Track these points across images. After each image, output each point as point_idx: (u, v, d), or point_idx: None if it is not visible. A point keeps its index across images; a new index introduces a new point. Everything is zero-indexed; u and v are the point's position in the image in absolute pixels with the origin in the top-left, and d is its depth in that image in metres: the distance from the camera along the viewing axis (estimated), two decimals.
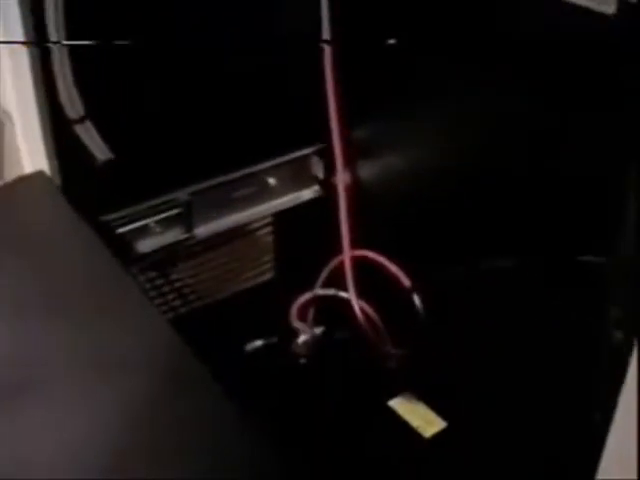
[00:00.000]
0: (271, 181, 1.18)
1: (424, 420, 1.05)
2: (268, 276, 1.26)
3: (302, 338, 1.15)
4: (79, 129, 1.00)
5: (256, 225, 1.22)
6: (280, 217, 1.22)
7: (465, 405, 1.05)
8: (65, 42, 0.95)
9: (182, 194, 1.12)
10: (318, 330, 1.16)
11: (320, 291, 1.21)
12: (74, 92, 0.98)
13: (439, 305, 1.12)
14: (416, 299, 1.13)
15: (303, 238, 1.22)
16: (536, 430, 1.00)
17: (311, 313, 1.22)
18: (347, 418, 1.06)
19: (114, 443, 0.73)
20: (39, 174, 1.04)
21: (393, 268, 1.15)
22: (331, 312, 1.19)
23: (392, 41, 1.09)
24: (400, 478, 0.99)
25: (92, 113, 1.00)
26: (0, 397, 0.75)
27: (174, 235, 1.14)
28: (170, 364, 0.81)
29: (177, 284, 1.19)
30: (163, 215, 1.12)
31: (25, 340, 0.81)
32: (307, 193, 1.23)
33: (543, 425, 1.00)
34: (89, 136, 1.01)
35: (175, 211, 1.12)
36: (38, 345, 0.80)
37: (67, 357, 0.80)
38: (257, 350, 1.17)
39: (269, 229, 1.23)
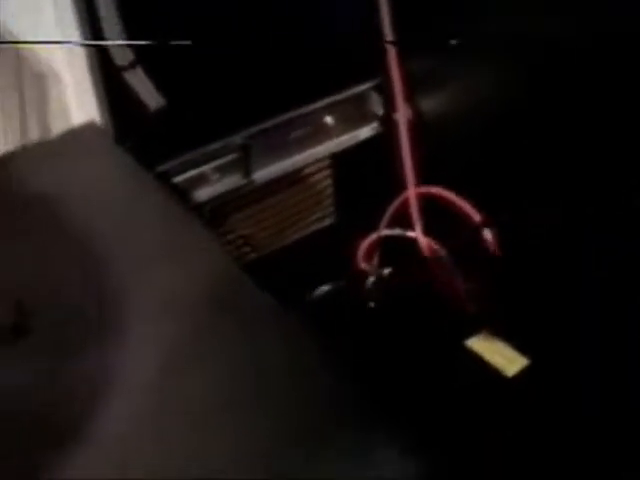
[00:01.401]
0: (328, 120, 1.13)
1: (505, 358, 1.00)
2: (329, 220, 1.22)
3: (371, 280, 1.11)
4: (129, 76, 0.97)
5: (314, 168, 1.18)
6: (339, 158, 1.18)
7: (547, 341, 1.00)
8: None
9: (238, 138, 1.08)
10: (386, 271, 1.12)
11: (385, 231, 1.17)
12: (121, 35, 0.94)
13: (511, 242, 1.08)
14: (488, 234, 1.08)
15: (364, 178, 1.18)
16: (621, 361, 0.96)
17: (377, 255, 1.18)
18: (423, 360, 1.02)
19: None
20: (90, 125, 1.01)
21: (461, 203, 1.10)
22: (398, 253, 1.15)
23: None
24: (484, 419, 0.95)
25: (142, 59, 0.97)
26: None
27: (232, 182, 1.10)
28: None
29: (236, 233, 1.16)
30: (220, 161, 1.08)
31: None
32: (366, 131, 1.18)
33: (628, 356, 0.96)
34: (140, 83, 0.97)
35: (232, 156, 1.08)
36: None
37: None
38: (325, 295, 1.13)
39: (328, 171, 1.19)
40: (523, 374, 0.99)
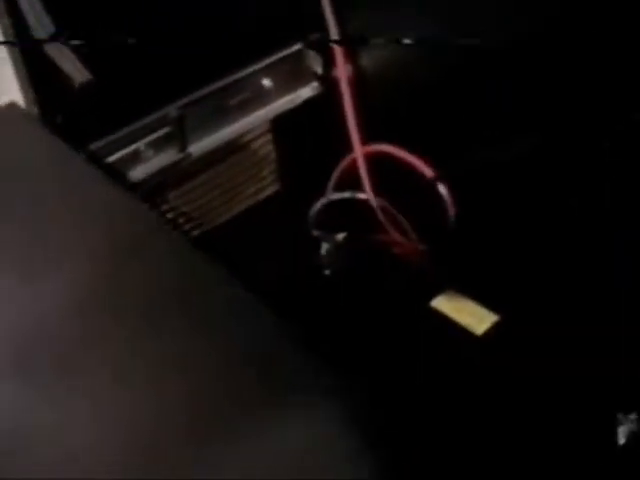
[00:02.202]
0: (266, 83, 1.07)
1: (473, 317, 0.97)
2: (274, 188, 1.16)
3: (325, 247, 1.06)
4: (51, 50, 0.90)
5: (254, 134, 1.11)
6: (279, 122, 1.11)
7: (515, 295, 0.97)
8: None
9: (171, 109, 1.01)
10: (340, 237, 1.07)
11: (334, 195, 1.12)
12: (40, 8, 0.87)
13: (467, 194, 1.04)
14: (442, 189, 1.04)
15: (307, 142, 1.13)
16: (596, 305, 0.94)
17: (327, 220, 1.14)
18: (389, 325, 0.97)
19: None
20: (10, 106, 0.93)
21: (412, 159, 1.06)
22: (350, 217, 1.11)
23: None
24: (458, 380, 0.92)
25: (63, 32, 0.90)
26: None
27: (168, 157, 1.03)
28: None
29: (178, 210, 1.09)
30: (153, 136, 1.01)
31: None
32: (306, 91, 1.12)
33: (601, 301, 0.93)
34: (63, 57, 0.90)
35: (166, 129, 1.02)
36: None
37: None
38: (277, 269, 1.08)
39: (269, 137, 1.12)
40: (493, 331, 0.96)
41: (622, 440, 0.87)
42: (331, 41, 1.03)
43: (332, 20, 1.03)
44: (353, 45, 1.06)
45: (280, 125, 1.12)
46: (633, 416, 0.87)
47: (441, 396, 0.89)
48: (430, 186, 1.05)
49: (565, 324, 0.93)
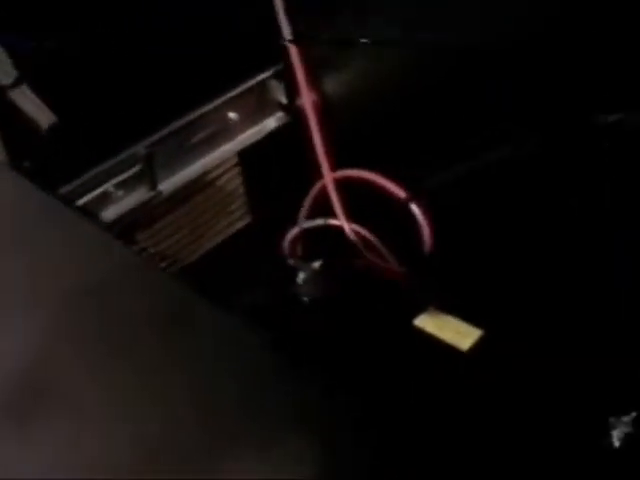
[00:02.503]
0: (231, 116, 1.07)
1: (457, 333, 0.97)
2: (246, 220, 1.16)
3: (301, 276, 1.05)
4: (15, 95, 0.89)
5: (222, 169, 1.11)
6: (247, 154, 1.11)
7: (497, 309, 0.97)
8: None
9: (139, 148, 1.01)
10: (316, 264, 1.06)
11: (307, 224, 1.12)
12: (2, 54, 0.86)
13: (440, 211, 1.04)
14: (415, 209, 1.04)
15: (276, 172, 1.13)
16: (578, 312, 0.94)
17: (300, 249, 1.13)
18: (373, 347, 0.97)
19: None
20: None
21: (382, 181, 1.06)
22: (326, 244, 1.10)
23: None
24: (445, 396, 0.91)
25: (27, 75, 0.89)
26: None
27: (138, 196, 1.03)
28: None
29: (151, 249, 1.08)
30: (123, 176, 1.01)
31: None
32: (271, 122, 1.12)
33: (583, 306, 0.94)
34: (28, 101, 0.90)
35: (135, 169, 1.01)
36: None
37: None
38: (255, 301, 1.07)
39: (237, 170, 1.12)
40: (479, 345, 0.95)
41: (617, 443, 0.87)
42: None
43: (293, 49, 1.04)
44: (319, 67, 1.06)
45: (247, 157, 1.11)
46: (626, 418, 0.88)
47: (430, 411, 0.89)
48: (404, 207, 1.05)
49: (551, 330, 0.93)
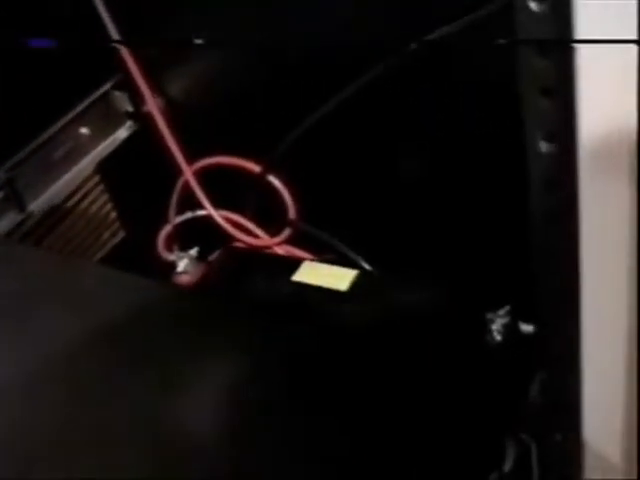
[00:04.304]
0: (83, 131, 1.11)
1: (335, 277, 1.02)
2: (122, 233, 1.19)
3: (181, 265, 1.09)
4: None
5: (87, 188, 1.14)
6: (106, 167, 1.15)
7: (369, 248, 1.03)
8: None
9: (0, 173, 1.04)
10: (193, 252, 1.10)
11: (177, 219, 1.16)
12: None
13: (298, 177, 1.10)
14: (273, 179, 1.10)
15: (137, 179, 1.17)
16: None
17: (177, 246, 1.17)
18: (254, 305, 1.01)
19: None
20: None
21: (236, 161, 1.11)
22: (201, 235, 1.15)
23: None
24: (336, 338, 0.95)
25: None
26: None
27: (9, 220, 1.06)
28: None
29: None
30: None
31: None
32: (122, 132, 1.16)
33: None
34: None
35: (0, 193, 1.04)
36: None
37: None
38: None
39: (101, 186, 1.16)
40: (357, 282, 1.01)
41: (498, 337, 0.93)
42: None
43: (130, 57, 1.09)
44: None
45: (108, 172, 1.15)
46: (502, 311, 0.93)
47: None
48: (264, 181, 1.10)
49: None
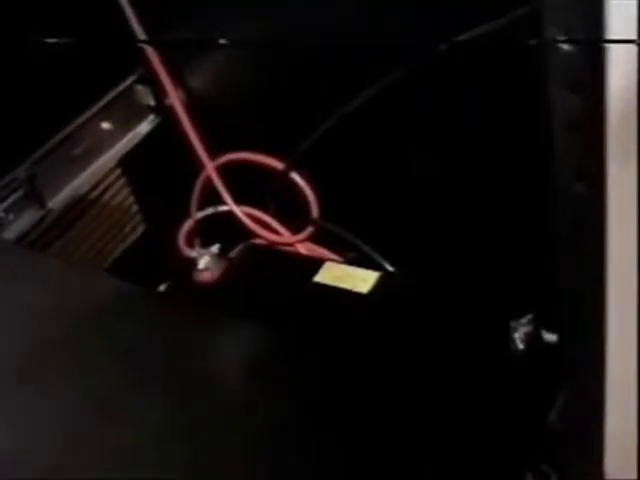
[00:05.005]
0: (105, 126, 1.10)
1: (356, 279, 1.01)
2: (142, 227, 1.18)
3: (202, 262, 1.08)
4: None
5: (109, 181, 1.13)
6: (128, 161, 1.14)
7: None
8: None
9: (20, 171, 1.03)
10: (214, 248, 1.09)
11: (199, 214, 1.15)
12: None
13: (321, 176, 1.08)
14: (296, 177, 1.08)
15: (159, 173, 1.16)
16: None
17: (199, 242, 1.17)
18: (280, 309, 1.00)
19: None
20: None
21: (259, 157, 1.10)
22: (223, 231, 1.14)
23: None
24: (358, 341, 0.94)
25: None
26: None
27: (29, 217, 1.05)
28: None
29: None
30: (9, 200, 1.03)
31: None
32: (144, 126, 1.15)
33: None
34: None
35: (20, 192, 1.04)
36: None
37: None
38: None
39: (123, 179, 1.15)
40: (379, 285, 0.99)
41: (521, 345, 0.92)
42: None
43: (152, 52, 1.07)
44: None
45: (130, 166, 1.14)
46: (524, 320, 0.92)
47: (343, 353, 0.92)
48: (286, 178, 1.09)
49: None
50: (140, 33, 1.07)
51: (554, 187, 0.57)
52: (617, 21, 0.48)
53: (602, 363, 0.72)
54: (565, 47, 0.50)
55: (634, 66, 0.50)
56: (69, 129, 1.07)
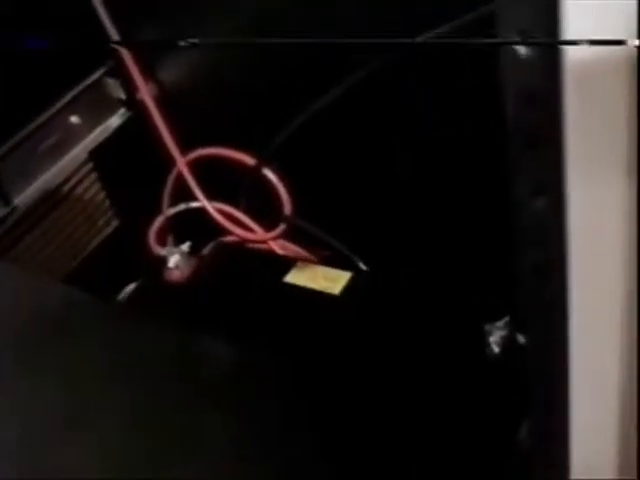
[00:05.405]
0: (73, 119, 1.08)
1: (327, 280, 0.98)
2: (115, 223, 1.16)
3: (172, 261, 1.05)
4: None
5: (79, 176, 1.11)
6: (97, 156, 1.11)
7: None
8: None
9: None
10: (185, 247, 1.07)
11: (170, 211, 1.12)
12: None
13: (294, 172, 1.05)
14: (268, 173, 1.06)
15: (130, 168, 1.13)
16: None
17: (171, 238, 1.14)
18: (246, 306, 0.98)
19: None
20: None
21: (230, 153, 1.07)
22: (195, 227, 1.11)
23: None
24: (328, 344, 0.92)
25: None
26: None
27: None
28: None
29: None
30: None
31: None
32: (115, 120, 1.12)
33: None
34: None
35: None
36: None
37: None
38: (132, 296, 1.07)
39: (93, 174, 1.12)
40: (350, 286, 0.97)
41: (497, 349, 0.89)
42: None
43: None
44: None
45: (100, 159, 1.11)
46: (499, 323, 0.90)
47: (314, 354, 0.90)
48: (259, 175, 1.06)
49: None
50: (113, 33, 1.04)
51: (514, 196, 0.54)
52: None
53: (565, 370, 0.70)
54: (521, 50, 0.47)
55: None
56: (35, 123, 1.04)
